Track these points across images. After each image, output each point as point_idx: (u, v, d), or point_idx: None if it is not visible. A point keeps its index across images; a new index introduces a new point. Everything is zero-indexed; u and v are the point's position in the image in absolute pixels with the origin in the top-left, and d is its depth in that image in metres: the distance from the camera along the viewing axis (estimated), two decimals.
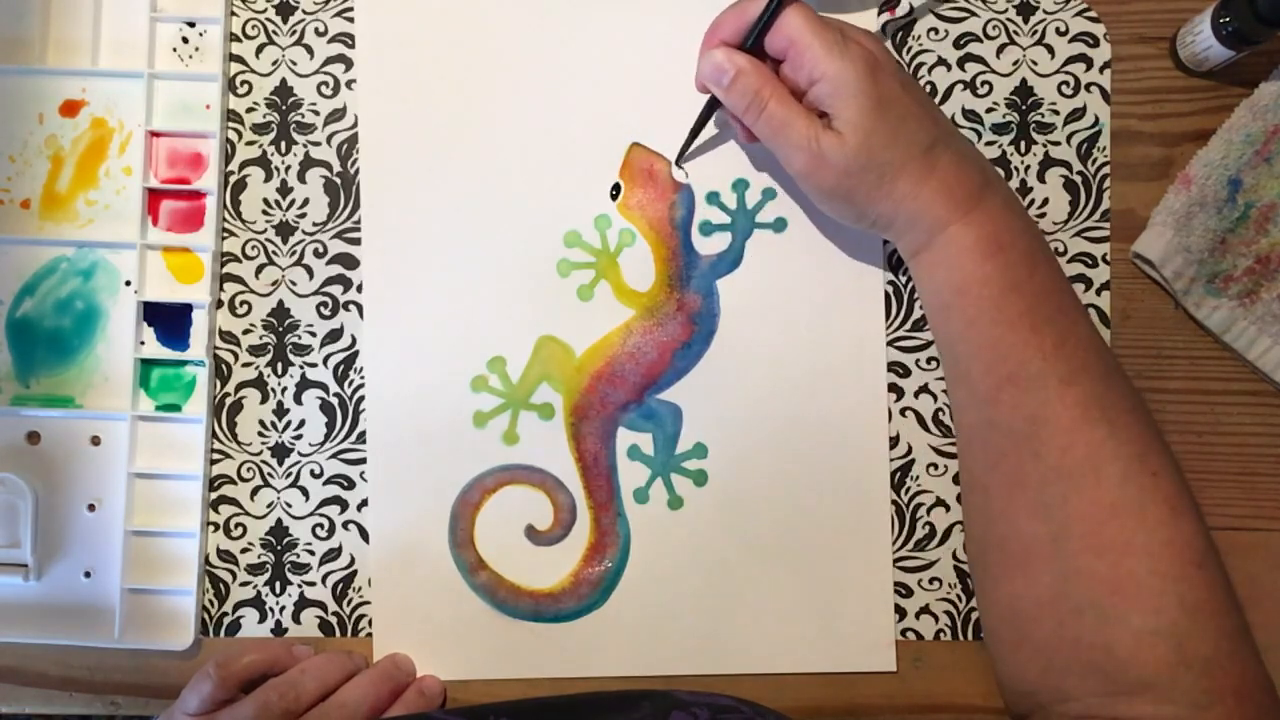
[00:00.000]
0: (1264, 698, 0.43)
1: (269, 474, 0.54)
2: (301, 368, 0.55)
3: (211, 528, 0.54)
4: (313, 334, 0.55)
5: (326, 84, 0.55)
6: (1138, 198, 0.54)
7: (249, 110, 0.55)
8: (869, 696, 0.54)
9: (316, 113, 0.55)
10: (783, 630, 0.53)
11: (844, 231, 0.53)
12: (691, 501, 0.54)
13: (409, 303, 0.54)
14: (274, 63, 0.55)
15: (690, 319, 0.54)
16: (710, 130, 0.54)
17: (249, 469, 0.54)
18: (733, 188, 0.54)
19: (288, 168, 0.55)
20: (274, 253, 0.55)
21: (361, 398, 0.54)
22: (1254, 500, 0.54)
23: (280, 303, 0.55)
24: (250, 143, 0.55)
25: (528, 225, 0.54)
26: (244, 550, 0.54)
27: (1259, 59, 0.53)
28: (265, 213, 0.55)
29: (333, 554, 0.54)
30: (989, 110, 0.55)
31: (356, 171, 0.55)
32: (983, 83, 0.55)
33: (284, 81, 0.55)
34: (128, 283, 0.54)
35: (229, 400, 0.55)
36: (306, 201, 0.55)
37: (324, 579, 0.54)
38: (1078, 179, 0.54)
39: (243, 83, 0.55)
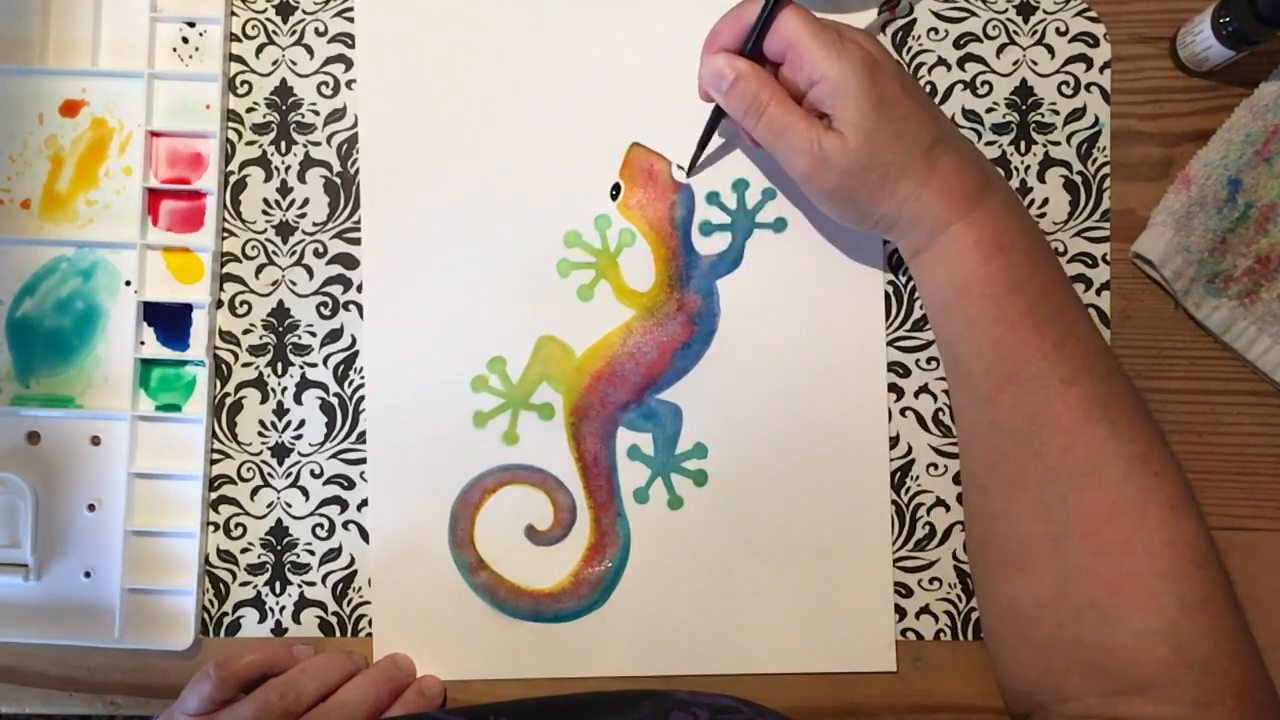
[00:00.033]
0: (1264, 697, 0.43)
1: (269, 474, 0.54)
2: (301, 368, 0.55)
3: (211, 528, 0.54)
4: (313, 334, 0.55)
5: (326, 84, 0.55)
6: (1138, 198, 0.54)
7: (249, 110, 0.55)
8: (869, 696, 0.54)
9: (316, 113, 0.55)
10: (783, 630, 0.53)
11: (844, 231, 0.53)
12: (691, 501, 0.54)
13: (409, 303, 0.54)
14: (274, 63, 0.55)
15: (690, 319, 0.54)
16: (718, 140, 0.53)
17: (249, 469, 0.54)
18: (733, 188, 0.54)
19: (288, 168, 0.55)
20: (274, 253, 0.55)
21: (361, 398, 0.54)
22: (1254, 500, 0.54)
23: (280, 303, 0.55)
24: (250, 143, 0.55)
25: (528, 225, 0.54)
26: (244, 550, 0.54)
27: (1259, 59, 0.53)
28: (265, 213, 0.55)
29: (333, 554, 0.54)
30: (989, 110, 0.55)
31: (356, 171, 0.55)
32: (983, 83, 0.55)
33: (284, 81, 0.55)
34: (128, 283, 0.54)
35: (229, 400, 0.55)
36: (306, 201, 0.55)
37: (324, 579, 0.54)
38: (1078, 179, 0.54)
39: (243, 83, 0.55)
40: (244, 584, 0.54)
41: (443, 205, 0.54)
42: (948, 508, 0.54)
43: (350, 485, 0.54)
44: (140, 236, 0.54)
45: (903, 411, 0.54)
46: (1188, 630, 0.42)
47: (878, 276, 0.54)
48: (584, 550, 0.54)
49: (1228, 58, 0.51)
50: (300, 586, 0.54)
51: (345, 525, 0.54)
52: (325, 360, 0.55)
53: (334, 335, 0.55)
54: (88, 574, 0.54)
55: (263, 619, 0.54)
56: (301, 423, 0.54)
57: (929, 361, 0.54)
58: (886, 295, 0.54)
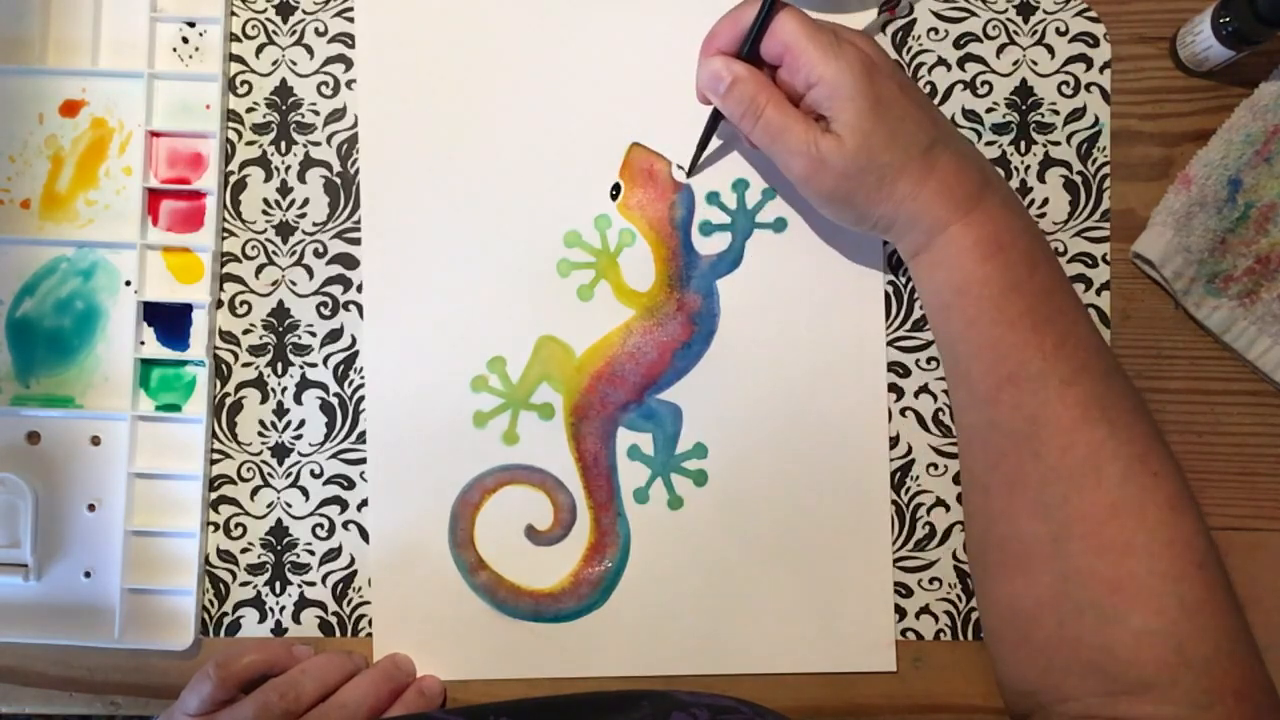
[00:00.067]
0: (1264, 698, 0.43)
1: (269, 474, 0.54)
2: (301, 368, 0.55)
3: (211, 528, 0.54)
4: (313, 334, 0.55)
5: (326, 84, 0.55)
6: (1138, 198, 0.54)
7: (249, 110, 0.55)
8: (869, 696, 0.54)
9: (316, 113, 0.55)
10: (783, 630, 0.53)
11: (844, 232, 0.53)
12: (691, 501, 0.54)
13: (409, 303, 0.54)
14: (274, 63, 0.55)
15: (690, 319, 0.54)
16: (717, 141, 0.54)
17: (249, 469, 0.54)
18: (733, 188, 0.54)
19: (288, 168, 0.55)
20: (274, 253, 0.55)
21: (361, 398, 0.54)
22: (1254, 500, 0.54)
23: (280, 303, 0.55)
24: (250, 143, 0.55)
25: (528, 225, 0.54)
26: (244, 550, 0.54)
27: (1259, 59, 0.53)
28: (265, 213, 0.55)
29: (333, 554, 0.54)
30: (989, 110, 0.55)
31: (356, 171, 0.55)
32: (983, 83, 0.55)
33: (284, 81, 0.55)
34: (128, 283, 0.54)
35: (229, 400, 0.55)
36: (306, 201, 0.55)
37: (324, 579, 0.54)
38: (1078, 179, 0.54)
39: (243, 83, 0.55)
40: (244, 584, 0.54)
41: (443, 205, 0.54)
42: (948, 508, 0.54)
43: (350, 485, 0.54)
44: (140, 236, 0.54)
45: (903, 411, 0.54)
46: (1187, 630, 0.42)
47: (878, 276, 0.54)
48: (584, 550, 0.54)
49: (1228, 58, 0.51)
50: (300, 586, 0.54)
51: (345, 525, 0.54)
52: (325, 360, 0.55)
53: (334, 335, 0.55)
54: (88, 574, 0.54)
55: (263, 619, 0.54)
56: (301, 423, 0.54)
57: (929, 361, 0.54)
58: (886, 295, 0.54)
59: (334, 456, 0.54)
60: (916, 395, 0.54)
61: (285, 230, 0.55)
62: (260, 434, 0.54)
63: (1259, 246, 0.53)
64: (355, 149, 0.55)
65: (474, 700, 0.54)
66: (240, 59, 0.55)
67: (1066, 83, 0.54)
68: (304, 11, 0.55)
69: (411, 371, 0.54)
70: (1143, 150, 0.54)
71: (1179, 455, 0.46)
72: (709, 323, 0.54)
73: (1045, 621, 0.45)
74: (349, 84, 0.55)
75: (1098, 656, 0.43)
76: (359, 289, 0.55)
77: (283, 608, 0.54)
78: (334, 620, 0.54)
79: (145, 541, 0.54)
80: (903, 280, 0.54)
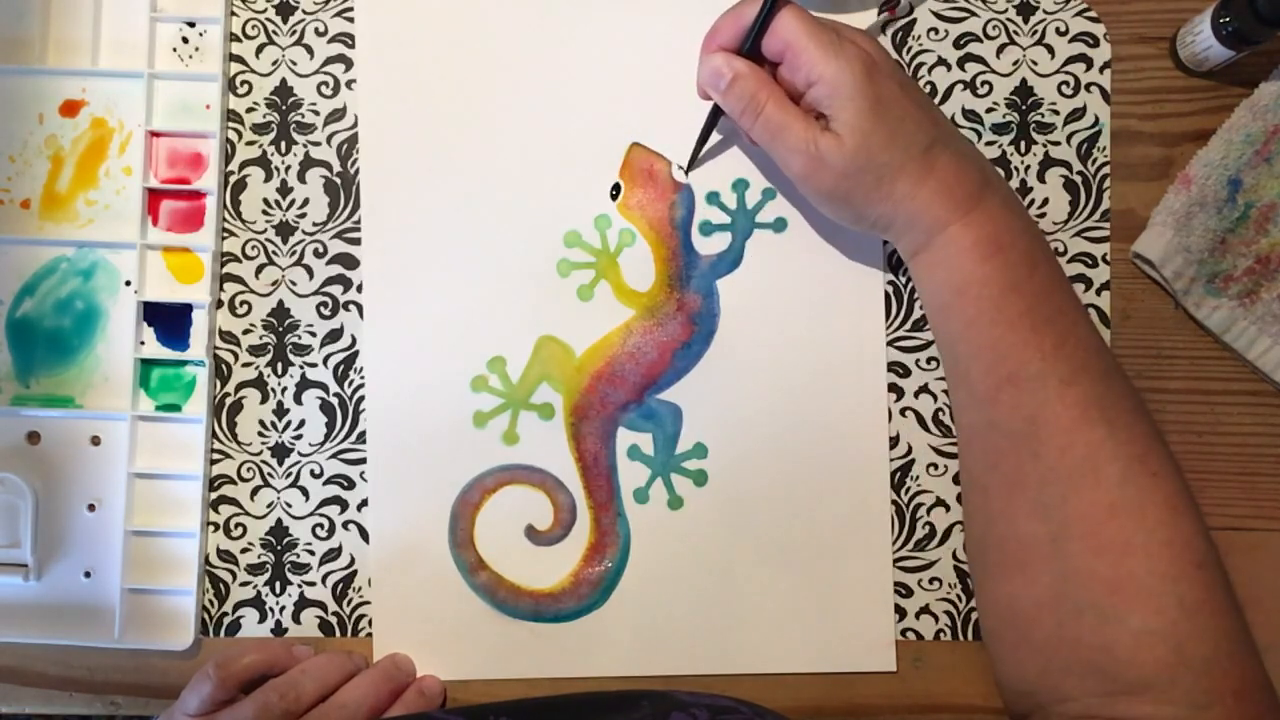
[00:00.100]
0: (1263, 698, 0.43)
1: (269, 474, 0.54)
2: (301, 368, 0.55)
3: (211, 528, 0.54)
4: (313, 334, 0.55)
5: (326, 84, 0.55)
6: (1138, 198, 0.54)
7: (249, 110, 0.55)
8: (869, 696, 0.54)
9: (316, 113, 0.55)
10: (783, 630, 0.53)
11: (844, 231, 0.53)
12: (691, 501, 0.54)
13: (409, 303, 0.54)
14: (274, 63, 0.55)
15: (690, 319, 0.54)
16: (717, 137, 0.54)
17: (249, 469, 0.54)
18: (733, 188, 0.54)
19: (288, 168, 0.55)
20: (274, 253, 0.55)
21: (361, 398, 0.54)
22: (1254, 500, 0.54)
23: (280, 303, 0.55)
24: (250, 143, 0.55)
25: (528, 225, 0.54)
26: (244, 550, 0.54)
27: (1259, 59, 0.53)
28: (265, 213, 0.55)
29: (333, 554, 0.54)
30: (989, 110, 0.55)
31: (356, 171, 0.55)
32: (983, 83, 0.55)
33: (284, 81, 0.55)
34: (128, 283, 0.54)
35: (229, 400, 0.55)
36: (306, 201, 0.55)
37: (324, 579, 0.54)
38: (1078, 179, 0.54)
39: (243, 83, 0.55)
40: (244, 584, 0.54)
41: (443, 205, 0.54)
42: (948, 508, 0.54)
43: (350, 485, 0.54)
44: (140, 236, 0.54)
45: (903, 411, 0.54)
46: (1186, 631, 0.42)
47: (878, 276, 0.54)
48: (584, 550, 0.54)
49: (1228, 58, 0.51)
50: (300, 586, 0.54)
51: (345, 525, 0.54)
52: (325, 360, 0.55)
53: (334, 335, 0.55)
54: (88, 574, 0.54)
55: (263, 619, 0.54)
56: (301, 423, 0.54)
57: (929, 361, 0.54)
58: (886, 295, 0.54)
59: (334, 456, 0.54)
60: (916, 395, 0.54)
61: (285, 230, 0.55)
62: (260, 434, 0.54)
63: (1259, 246, 0.53)
64: (355, 149, 0.55)
65: (474, 700, 0.54)
66: (240, 59, 0.55)
67: (1066, 83, 0.54)
68: (304, 11, 0.55)
69: (411, 371, 0.54)
70: (1143, 150, 0.54)
71: (1179, 455, 0.46)
72: (709, 323, 0.54)
73: (1044, 621, 0.45)
74: (349, 84, 0.55)
75: (1097, 656, 0.43)
76: (359, 289, 0.55)
77: (283, 608, 0.54)
78: (334, 620, 0.54)
79: (145, 541, 0.54)
80: (903, 280, 0.54)
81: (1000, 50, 0.55)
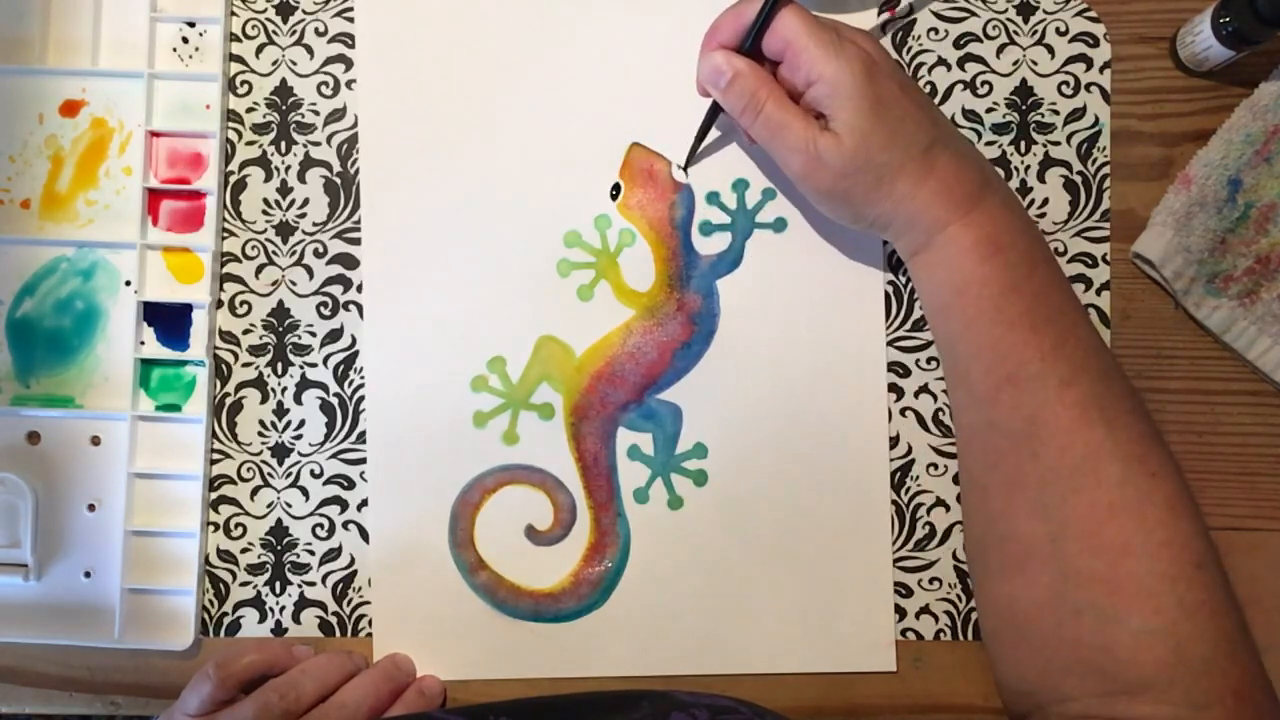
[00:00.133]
0: (1263, 698, 0.43)
1: (269, 474, 0.54)
2: (301, 368, 0.55)
3: (211, 528, 0.54)
4: (313, 334, 0.55)
5: (326, 84, 0.55)
6: (1138, 198, 0.54)
7: (249, 110, 0.55)
8: (869, 696, 0.54)
9: (316, 113, 0.55)
10: (783, 630, 0.53)
11: (844, 231, 0.53)
12: (691, 501, 0.54)
13: (409, 303, 0.54)
14: (274, 63, 0.55)
15: (690, 319, 0.54)
16: (715, 134, 0.54)
17: (249, 469, 0.54)
18: (733, 188, 0.54)
19: (288, 168, 0.55)
20: (274, 253, 0.55)
21: (361, 398, 0.54)
22: (1254, 500, 0.54)
23: (280, 303, 0.55)
24: (250, 143, 0.55)
25: (528, 225, 0.54)
26: (244, 550, 0.54)
27: (1259, 59, 0.53)
28: (265, 213, 0.55)
29: (333, 554, 0.54)
30: (989, 110, 0.55)
31: (356, 171, 0.55)
32: (983, 83, 0.55)
33: (284, 81, 0.55)
34: (128, 283, 0.54)
35: (229, 400, 0.55)
36: (306, 201, 0.55)
37: (324, 579, 0.54)
38: (1078, 179, 0.54)
39: (243, 83, 0.55)
40: (244, 584, 0.54)
41: (443, 205, 0.54)
42: (948, 508, 0.54)
43: (350, 485, 0.54)
44: (140, 236, 0.54)
45: (903, 411, 0.54)
46: (1186, 631, 0.42)
47: (878, 276, 0.54)
48: (584, 550, 0.54)
49: (1228, 58, 0.51)
50: (300, 586, 0.54)
51: (345, 525, 0.54)
52: (325, 360, 0.55)
53: (334, 335, 0.55)
54: (88, 574, 0.54)
55: (263, 619, 0.54)
56: (301, 423, 0.54)
57: (929, 361, 0.54)
58: (886, 295, 0.54)
59: (334, 456, 0.54)
60: (916, 395, 0.54)
61: (285, 230, 0.55)
62: (260, 434, 0.54)
63: (1259, 246, 0.53)
64: (355, 149, 0.55)
65: (474, 700, 0.54)
66: (240, 59, 0.55)
67: (1066, 83, 0.54)
68: (304, 11, 0.55)
69: (411, 371, 0.54)
70: (1143, 150, 0.54)
71: (1179, 455, 0.46)
72: (709, 323, 0.54)
73: (1044, 621, 0.45)
74: (349, 84, 0.55)
75: (1096, 657, 0.43)
76: (359, 289, 0.55)
77: (283, 608, 0.54)
78: (334, 620, 0.54)
79: (145, 541, 0.54)
80: (903, 280, 0.54)
81: (1000, 50, 0.55)
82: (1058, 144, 0.54)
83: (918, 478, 0.54)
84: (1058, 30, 0.54)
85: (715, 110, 0.51)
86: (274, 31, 0.55)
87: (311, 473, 0.54)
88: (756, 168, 0.54)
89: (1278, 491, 0.54)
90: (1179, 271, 0.53)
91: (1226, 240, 0.53)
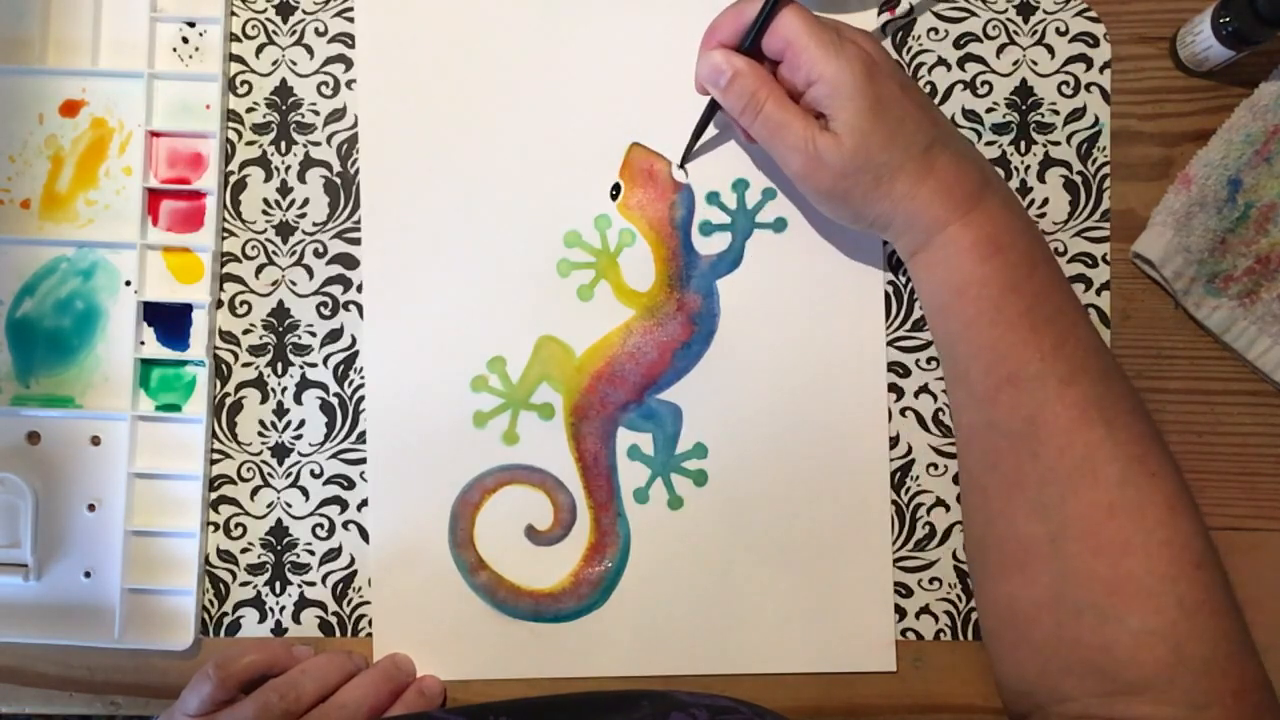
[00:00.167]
0: (1262, 698, 0.43)
1: (269, 474, 0.54)
2: (301, 368, 0.55)
3: (211, 528, 0.54)
4: (313, 334, 0.55)
5: (326, 84, 0.55)
6: (1138, 198, 0.54)
7: (249, 110, 0.55)
8: (869, 696, 0.54)
9: (316, 113, 0.55)
10: (783, 630, 0.53)
11: (844, 231, 0.53)
12: (691, 501, 0.54)
13: (409, 303, 0.54)
14: (274, 63, 0.55)
15: (690, 319, 0.54)
16: (712, 131, 0.54)
17: (249, 469, 0.54)
18: (733, 188, 0.54)
19: (288, 168, 0.55)
20: (274, 253, 0.55)
21: (361, 398, 0.54)
22: (1254, 500, 0.54)
23: (280, 303, 0.55)
24: (250, 143, 0.55)
25: (528, 225, 0.54)
26: (244, 550, 0.54)
27: (1259, 59, 0.53)
28: (265, 213, 0.55)
29: (333, 554, 0.54)
30: (989, 110, 0.55)
31: (356, 171, 0.55)
32: (983, 83, 0.55)
33: (284, 81, 0.55)
34: (128, 283, 0.54)
35: (229, 400, 0.55)
36: (306, 201, 0.55)
37: (324, 579, 0.54)
38: (1078, 179, 0.54)
39: (243, 83, 0.55)
40: (244, 584, 0.54)
41: (443, 205, 0.54)
42: (948, 508, 0.54)
43: (350, 485, 0.54)
44: (140, 236, 0.54)
45: (903, 411, 0.54)
46: (1185, 631, 0.42)
47: (878, 276, 0.54)
48: (584, 550, 0.54)
49: (1228, 58, 0.51)
50: (300, 586, 0.54)
51: (345, 525, 0.54)
52: (325, 360, 0.55)
53: (334, 335, 0.55)
54: (88, 574, 0.54)
55: (263, 619, 0.54)
56: (301, 423, 0.54)
57: (929, 361, 0.54)
58: (886, 295, 0.54)
59: (334, 456, 0.54)
60: (916, 395, 0.54)
61: (285, 230, 0.55)
62: (260, 434, 0.54)
63: (1259, 246, 0.53)
64: (355, 149, 0.55)
65: (474, 700, 0.54)
66: (240, 59, 0.55)
67: (1066, 83, 0.54)
68: (304, 11, 0.55)
69: (411, 371, 0.54)
70: (1143, 150, 0.54)
71: (1179, 455, 0.46)
72: (709, 323, 0.54)
73: (1043, 622, 0.45)
74: (349, 84, 0.55)
75: (1096, 657, 0.43)
76: (359, 289, 0.55)
77: (283, 608, 0.54)
78: (334, 620, 0.54)
79: (145, 541, 0.54)
80: (903, 280, 0.54)
81: (1000, 50, 0.55)
82: (1058, 144, 0.54)
83: (918, 478, 0.54)
84: (1058, 30, 0.54)
85: (713, 108, 0.51)
86: (274, 31, 0.55)
87: (311, 473, 0.54)
88: (757, 168, 0.54)
89: (1278, 491, 0.54)
90: (1179, 271, 0.53)
91: (1226, 240, 0.53)
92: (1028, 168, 0.54)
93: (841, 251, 0.54)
